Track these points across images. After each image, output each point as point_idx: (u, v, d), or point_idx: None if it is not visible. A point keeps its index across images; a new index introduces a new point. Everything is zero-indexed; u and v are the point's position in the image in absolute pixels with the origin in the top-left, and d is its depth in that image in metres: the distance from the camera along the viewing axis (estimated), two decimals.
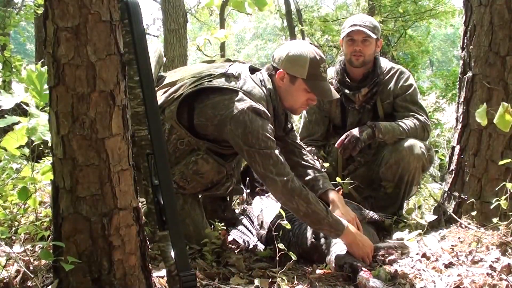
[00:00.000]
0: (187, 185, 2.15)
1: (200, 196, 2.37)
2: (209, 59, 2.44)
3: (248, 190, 2.67)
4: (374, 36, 2.70)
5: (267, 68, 2.24)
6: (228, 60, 2.31)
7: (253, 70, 2.27)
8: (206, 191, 2.27)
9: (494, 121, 1.76)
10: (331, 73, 2.93)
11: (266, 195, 2.55)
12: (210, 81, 2.10)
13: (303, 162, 2.31)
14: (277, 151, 2.01)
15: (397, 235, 1.81)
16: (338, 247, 1.96)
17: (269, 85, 2.17)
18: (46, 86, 1.71)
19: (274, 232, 2.21)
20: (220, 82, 2.09)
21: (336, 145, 2.71)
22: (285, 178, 1.96)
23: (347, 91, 2.82)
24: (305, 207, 1.95)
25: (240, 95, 2.05)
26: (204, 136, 2.12)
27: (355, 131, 2.65)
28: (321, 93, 2.18)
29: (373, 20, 2.80)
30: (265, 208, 2.39)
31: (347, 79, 2.83)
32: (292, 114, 2.32)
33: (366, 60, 2.76)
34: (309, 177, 2.26)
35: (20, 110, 1.90)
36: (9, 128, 1.89)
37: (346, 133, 2.68)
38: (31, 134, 1.76)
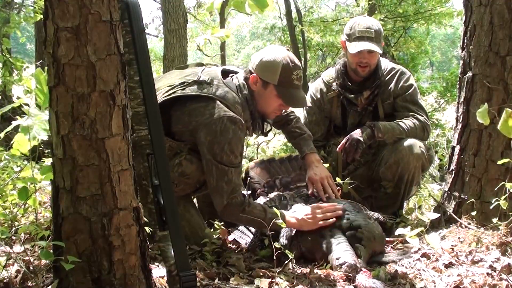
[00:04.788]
0: (175, 188, 2.14)
1: (194, 198, 2.38)
2: (182, 65, 2.46)
3: (249, 192, 2.67)
4: (381, 52, 2.67)
5: (245, 71, 2.25)
6: (200, 64, 2.34)
7: (227, 73, 2.28)
8: (196, 191, 2.27)
9: (498, 127, 1.76)
10: (331, 73, 2.93)
11: (267, 196, 2.55)
12: (183, 89, 2.12)
13: (292, 129, 2.59)
14: (234, 170, 2.07)
15: (399, 231, 1.81)
16: (341, 247, 1.95)
17: (245, 91, 2.19)
18: None
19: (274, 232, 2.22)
20: (193, 90, 2.11)
21: (337, 149, 2.71)
22: (231, 196, 2.06)
23: (348, 94, 2.81)
24: (247, 218, 2.08)
25: (216, 102, 2.08)
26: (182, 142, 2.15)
27: (355, 134, 2.65)
28: (290, 101, 2.19)
29: (376, 24, 2.73)
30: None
31: (348, 82, 2.82)
32: (266, 118, 2.32)
33: (372, 69, 2.76)
34: (292, 141, 2.60)
35: (21, 111, 1.90)
36: (13, 132, 1.89)
37: (346, 137, 2.67)
38: (25, 133, 1.76)
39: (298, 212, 2.13)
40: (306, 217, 2.08)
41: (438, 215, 2.24)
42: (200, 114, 2.06)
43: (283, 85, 2.14)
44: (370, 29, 2.68)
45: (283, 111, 2.36)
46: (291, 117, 2.61)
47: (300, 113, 2.81)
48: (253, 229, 2.40)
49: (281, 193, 2.57)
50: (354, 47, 2.67)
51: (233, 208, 2.06)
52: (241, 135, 2.07)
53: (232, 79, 2.24)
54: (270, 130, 2.42)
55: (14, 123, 1.80)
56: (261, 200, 2.52)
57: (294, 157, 2.77)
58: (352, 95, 2.80)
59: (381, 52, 2.68)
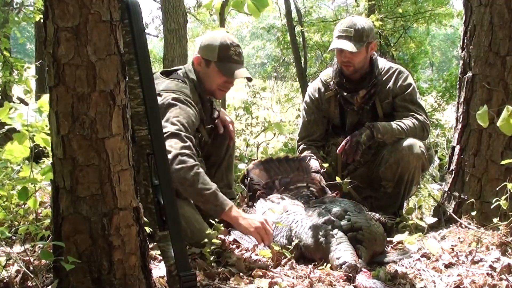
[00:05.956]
0: None
1: None
2: None
3: (250, 193, 2.67)
4: (355, 50, 2.64)
5: (193, 58, 2.45)
6: None
7: (170, 72, 2.45)
8: None
9: (498, 124, 1.76)
10: (329, 72, 2.93)
11: (268, 197, 2.56)
12: None
13: None
14: (184, 134, 2.13)
15: (397, 237, 1.82)
16: (341, 246, 1.95)
17: (192, 75, 2.39)
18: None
19: (275, 233, 2.22)
20: None
21: (337, 151, 2.71)
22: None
23: (345, 93, 2.81)
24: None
25: (160, 92, 2.23)
26: None
27: (354, 135, 2.65)
28: (230, 73, 2.35)
29: (362, 24, 2.70)
30: (267, 210, 2.40)
31: (344, 81, 2.82)
32: (214, 97, 2.50)
33: (357, 68, 2.75)
34: None
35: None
36: (9, 133, 1.89)
37: (345, 139, 2.67)
38: (20, 139, 1.77)
39: (252, 216, 2.16)
40: (253, 225, 2.08)
41: (436, 219, 2.24)
42: None
43: (222, 60, 2.34)
44: (350, 28, 2.67)
45: (227, 88, 2.50)
46: None
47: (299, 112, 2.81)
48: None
49: (280, 194, 2.57)
50: (331, 46, 2.75)
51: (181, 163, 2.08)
52: (190, 109, 2.21)
53: (177, 72, 2.43)
54: (218, 117, 2.55)
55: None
56: (261, 202, 2.52)
57: (291, 158, 2.77)
58: (348, 94, 2.80)
59: (354, 50, 2.64)
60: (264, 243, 2.06)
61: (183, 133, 2.12)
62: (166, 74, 2.44)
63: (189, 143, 2.12)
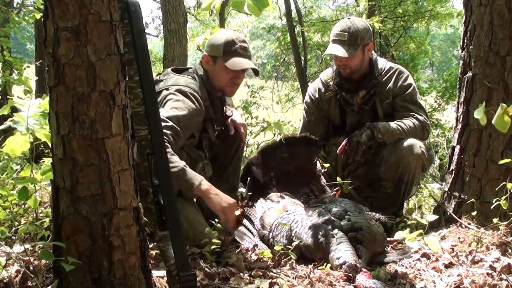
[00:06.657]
0: None
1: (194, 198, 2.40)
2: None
3: (250, 193, 2.67)
4: (347, 56, 2.64)
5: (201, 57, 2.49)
6: (159, 74, 2.53)
7: (180, 70, 2.49)
8: None
9: (493, 122, 1.76)
10: (329, 72, 2.93)
11: (267, 197, 2.56)
12: None
13: None
14: (170, 124, 2.12)
15: (398, 235, 1.82)
16: (342, 246, 1.95)
17: (200, 72, 2.42)
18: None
19: (275, 232, 2.22)
20: None
21: (337, 151, 2.71)
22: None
23: (344, 93, 2.81)
24: None
25: (168, 87, 2.29)
26: None
27: (355, 135, 2.65)
28: (235, 65, 2.35)
29: (356, 26, 2.68)
30: (267, 210, 2.40)
31: (344, 82, 2.82)
32: (224, 95, 2.50)
33: (354, 70, 2.75)
34: None
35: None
36: (9, 129, 1.89)
37: (346, 139, 2.67)
38: (17, 125, 1.76)
39: (224, 195, 2.15)
40: (223, 204, 2.11)
41: (437, 217, 2.24)
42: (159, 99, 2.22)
43: (228, 55, 2.34)
44: (344, 32, 2.67)
45: (236, 84, 2.48)
46: None
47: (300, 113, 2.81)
48: (253, 230, 2.40)
49: (279, 193, 2.57)
50: (326, 51, 2.77)
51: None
52: (194, 106, 2.23)
53: (188, 69, 2.48)
54: (230, 117, 2.56)
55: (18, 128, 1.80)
56: (261, 201, 2.52)
57: (290, 138, 2.73)
58: (348, 94, 2.80)
59: (347, 56, 2.65)
60: (226, 224, 2.12)
61: (169, 124, 2.13)
62: (178, 71, 2.47)
63: (169, 132, 2.12)
